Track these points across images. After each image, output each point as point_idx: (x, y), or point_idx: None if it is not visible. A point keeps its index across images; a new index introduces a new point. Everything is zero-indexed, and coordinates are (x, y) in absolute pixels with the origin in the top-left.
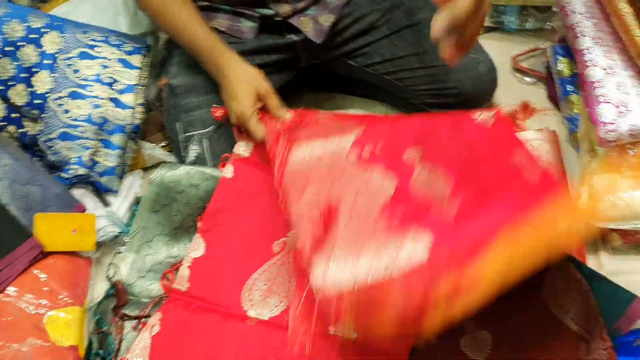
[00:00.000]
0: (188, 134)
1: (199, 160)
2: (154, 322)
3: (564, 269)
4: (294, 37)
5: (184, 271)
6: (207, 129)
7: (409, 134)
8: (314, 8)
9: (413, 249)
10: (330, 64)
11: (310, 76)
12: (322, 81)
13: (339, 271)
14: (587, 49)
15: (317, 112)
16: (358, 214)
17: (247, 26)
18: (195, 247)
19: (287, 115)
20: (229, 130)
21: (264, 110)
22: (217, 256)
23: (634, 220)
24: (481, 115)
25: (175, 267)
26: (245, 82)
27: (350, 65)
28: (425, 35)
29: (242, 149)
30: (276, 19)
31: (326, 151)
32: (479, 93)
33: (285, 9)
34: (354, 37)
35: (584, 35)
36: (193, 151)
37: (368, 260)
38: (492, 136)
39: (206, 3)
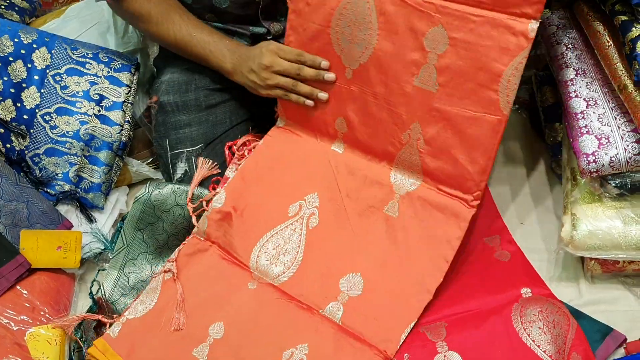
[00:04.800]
0: (176, 151)
1: (186, 178)
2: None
3: (538, 300)
4: None
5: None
6: (196, 147)
7: None
8: None
9: None
10: None
11: None
12: None
13: None
14: (571, 80)
15: None
16: None
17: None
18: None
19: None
20: (217, 149)
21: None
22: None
23: (614, 250)
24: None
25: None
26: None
27: None
28: None
29: (232, 173)
30: (267, 37)
31: None
32: None
33: (276, 27)
34: None
35: (568, 67)
36: (180, 168)
37: None
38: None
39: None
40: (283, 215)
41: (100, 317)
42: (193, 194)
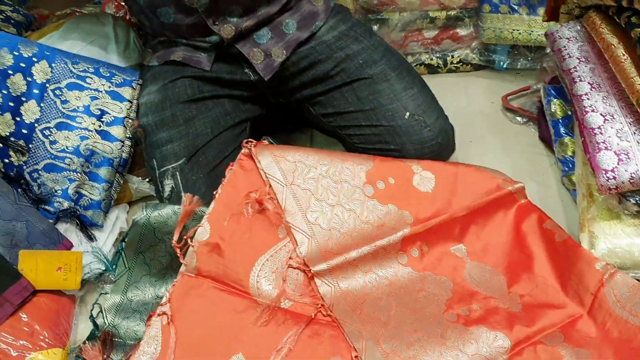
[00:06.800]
0: (163, 169)
1: (174, 194)
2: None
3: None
4: (252, 76)
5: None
6: (179, 162)
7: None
8: (265, 34)
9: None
10: (297, 106)
11: (290, 112)
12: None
13: None
14: (586, 95)
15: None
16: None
17: (204, 56)
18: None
19: None
20: (200, 161)
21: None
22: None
23: (634, 269)
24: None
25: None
26: None
27: (310, 112)
28: (374, 92)
29: None
30: (223, 44)
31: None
32: (424, 158)
33: (227, 30)
34: (310, 82)
35: (582, 81)
36: (167, 185)
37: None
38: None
39: (165, 38)
40: (274, 236)
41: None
42: (195, 213)
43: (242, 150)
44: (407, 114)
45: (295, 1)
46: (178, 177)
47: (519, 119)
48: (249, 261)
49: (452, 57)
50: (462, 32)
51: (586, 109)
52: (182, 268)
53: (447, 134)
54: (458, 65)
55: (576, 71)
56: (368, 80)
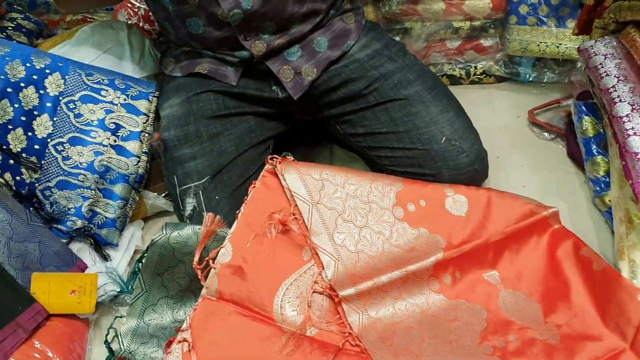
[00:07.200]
0: (184, 186)
1: (195, 214)
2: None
3: None
4: (279, 94)
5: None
6: (202, 181)
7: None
8: (296, 51)
9: None
10: (323, 124)
11: (310, 127)
12: (322, 132)
13: None
14: (627, 116)
15: None
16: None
17: (231, 70)
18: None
19: None
20: (224, 180)
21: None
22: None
23: None
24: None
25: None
26: None
27: (338, 130)
28: (409, 114)
29: None
30: (255, 61)
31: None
32: (459, 183)
33: (258, 46)
34: (341, 101)
35: (622, 101)
36: (189, 204)
37: None
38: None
39: (190, 48)
40: (298, 258)
41: None
42: (217, 234)
43: (266, 167)
44: (444, 138)
45: (328, 19)
46: (201, 196)
47: (546, 134)
48: (272, 285)
49: (476, 68)
50: (486, 43)
51: (628, 132)
52: (204, 291)
53: (483, 160)
54: (481, 77)
55: (615, 91)
56: (403, 102)
